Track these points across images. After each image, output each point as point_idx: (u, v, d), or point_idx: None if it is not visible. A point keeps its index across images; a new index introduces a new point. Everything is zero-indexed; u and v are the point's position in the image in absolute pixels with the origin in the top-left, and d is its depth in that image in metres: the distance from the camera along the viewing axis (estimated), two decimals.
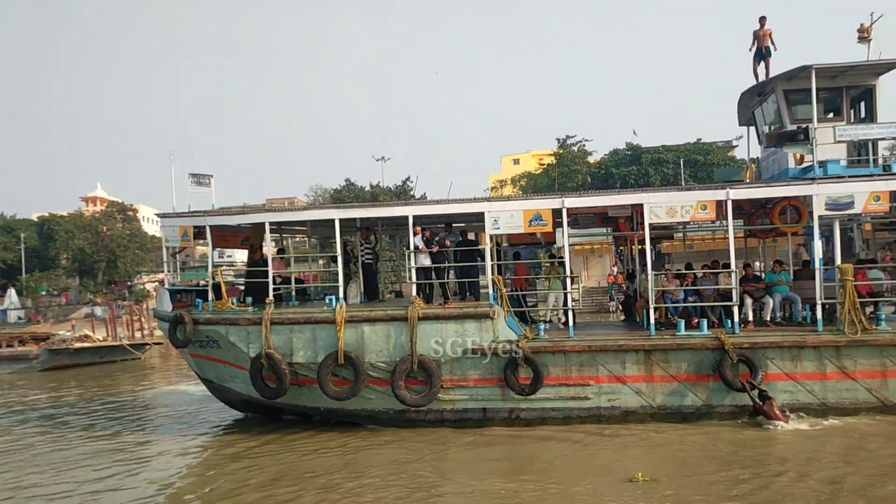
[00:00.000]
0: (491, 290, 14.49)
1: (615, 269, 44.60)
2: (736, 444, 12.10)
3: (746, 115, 17.86)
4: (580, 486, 10.45)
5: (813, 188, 13.66)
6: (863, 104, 15.48)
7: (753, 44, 17.05)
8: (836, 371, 13.31)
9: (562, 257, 15.39)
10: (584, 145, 64.79)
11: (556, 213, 14.56)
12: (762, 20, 17.04)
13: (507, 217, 14.49)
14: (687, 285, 15.39)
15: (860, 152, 15.10)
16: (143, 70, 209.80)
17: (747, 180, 18.09)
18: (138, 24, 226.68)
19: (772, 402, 12.91)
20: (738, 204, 14.77)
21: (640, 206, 14.23)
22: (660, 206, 14.06)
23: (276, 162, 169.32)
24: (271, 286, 15.35)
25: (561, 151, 64.77)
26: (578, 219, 18.21)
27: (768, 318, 14.84)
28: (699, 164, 58.74)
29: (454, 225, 17.27)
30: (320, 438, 14.48)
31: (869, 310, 14.00)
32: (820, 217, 13.63)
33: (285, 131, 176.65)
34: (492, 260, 14.77)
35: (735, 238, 14.50)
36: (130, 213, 72.10)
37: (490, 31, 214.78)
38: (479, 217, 14.83)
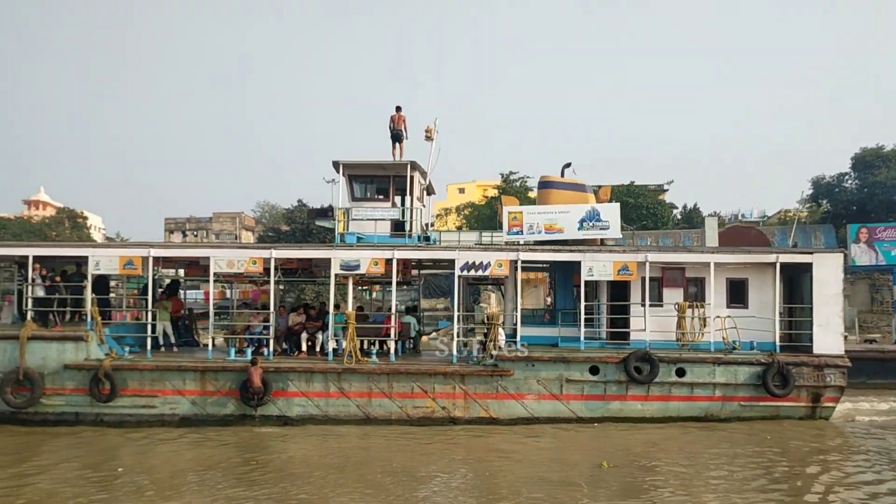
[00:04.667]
0: (89, 318, 18.24)
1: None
2: (249, 448, 16.28)
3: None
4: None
5: (331, 252, 18.21)
6: (406, 190, 20.14)
7: (390, 127, 20.43)
8: (337, 391, 17.73)
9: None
10: (526, 181, 65.36)
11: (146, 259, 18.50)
12: (398, 108, 20.56)
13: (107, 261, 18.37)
14: (264, 320, 19.60)
15: (399, 227, 19.67)
16: (89, 76, 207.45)
17: None
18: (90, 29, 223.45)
19: (256, 369, 17.14)
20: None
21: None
22: (222, 259, 18.26)
23: (225, 174, 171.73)
24: None
25: (504, 186, 65.71)
26: None
27: (318, 349, 19.19)
28: (630, 206, 58.67)
29: None
30: None
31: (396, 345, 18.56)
32: (336, 274, 18.15)
33: (238, 143, 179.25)
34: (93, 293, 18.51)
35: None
36: (80, 220, 71.37)
37: (441, 55, 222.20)
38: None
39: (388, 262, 18.21)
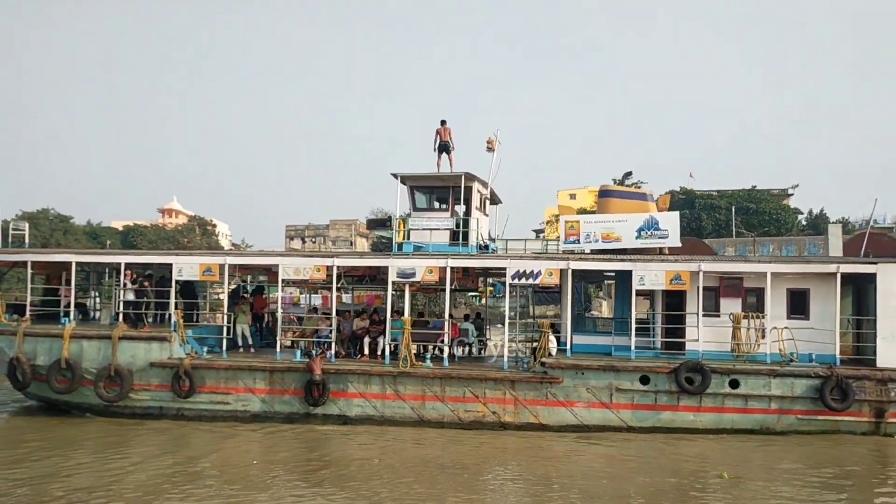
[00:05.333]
0: (173, 320, 19.87)
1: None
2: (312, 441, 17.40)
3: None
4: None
5: (389, 261, 19.07)
6: (463, 200, 20.68)
7: (436, 140, 21.33)
8: (393, 393, 18.55)
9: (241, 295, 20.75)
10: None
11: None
12: (443, 122, 21.35)
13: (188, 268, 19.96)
14: (329, 325, 20.68)
15: (457, 237, 20.24)
16: (215, 93, 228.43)
17: None
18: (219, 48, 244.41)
19: (315, 361, 18.27)
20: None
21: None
22: (290, 266, 19.48)
23: (339, 182, 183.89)
24: (29, 306, 20.87)
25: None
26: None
27: (379, 353, 20.06)
28: (751, 212, 58.44)
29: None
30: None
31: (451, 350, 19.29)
32: (393, 282, 18.99)
33: (355, 151, 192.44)
34: (177, 297, 20.14)
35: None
36: (210, 227, 77.45)
37: (556, 63, 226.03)
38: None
39: (444, 269, 18.87)
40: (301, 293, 34.48)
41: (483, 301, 34.80)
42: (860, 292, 18.29)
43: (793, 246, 47.01)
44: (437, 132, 21.11)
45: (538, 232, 75.04)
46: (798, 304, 17.95)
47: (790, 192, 66.47)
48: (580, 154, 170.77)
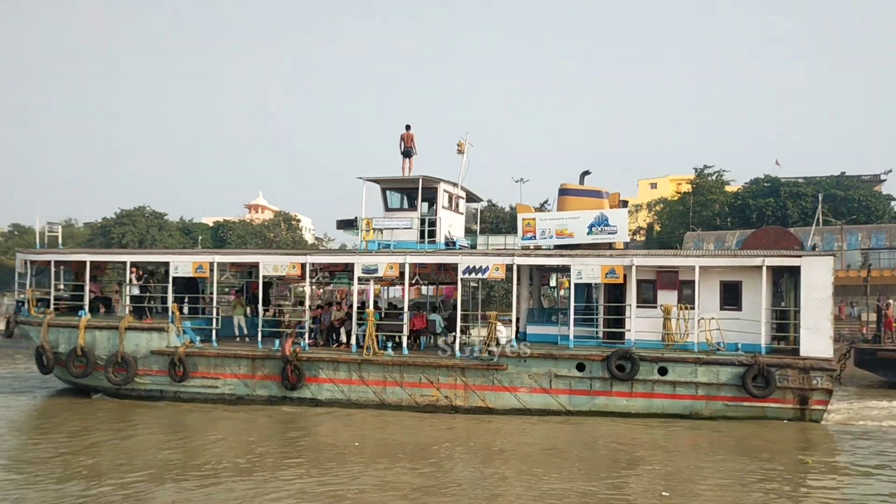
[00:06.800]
0: (170, 313, 22.24)
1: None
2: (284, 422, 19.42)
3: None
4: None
5: (355, 258, 20.89)
6: (428, 200, 22.29)
7: (401, 145, 23.14)
8: (358, 379, 20.38)
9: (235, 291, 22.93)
10: (721, 175, 63.59)
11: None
12: (407, 127, 23.03)
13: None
14: (313, 317, 22.67)
15: (427, 234, 21.85)
16: (295, 97, 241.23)
17: None
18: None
19: (287, 342, 20.27)
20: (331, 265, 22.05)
21: None
22: (269, 263, 21.55)
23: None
24: (52, 300, 23.66)
25: (698, 180, 63.33)
26: None
27: (351, 341, 21.87)
28: (839, 199, 57.18)
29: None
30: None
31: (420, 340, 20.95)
32: (359, 278, 20.81)
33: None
34: (175, 292, 22.51)
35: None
36: (294, 222, 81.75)
37: (632, 54, 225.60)
38: None
39: (404, 265, 20.53)
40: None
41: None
42: (797, 285, 18.98)
43: (883, 234, 46.48)
44: (402, 137, 22.81)
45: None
46: (731, 296, 18.82)
47: (883, 177, 64.64)
48: (660, 142, 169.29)
